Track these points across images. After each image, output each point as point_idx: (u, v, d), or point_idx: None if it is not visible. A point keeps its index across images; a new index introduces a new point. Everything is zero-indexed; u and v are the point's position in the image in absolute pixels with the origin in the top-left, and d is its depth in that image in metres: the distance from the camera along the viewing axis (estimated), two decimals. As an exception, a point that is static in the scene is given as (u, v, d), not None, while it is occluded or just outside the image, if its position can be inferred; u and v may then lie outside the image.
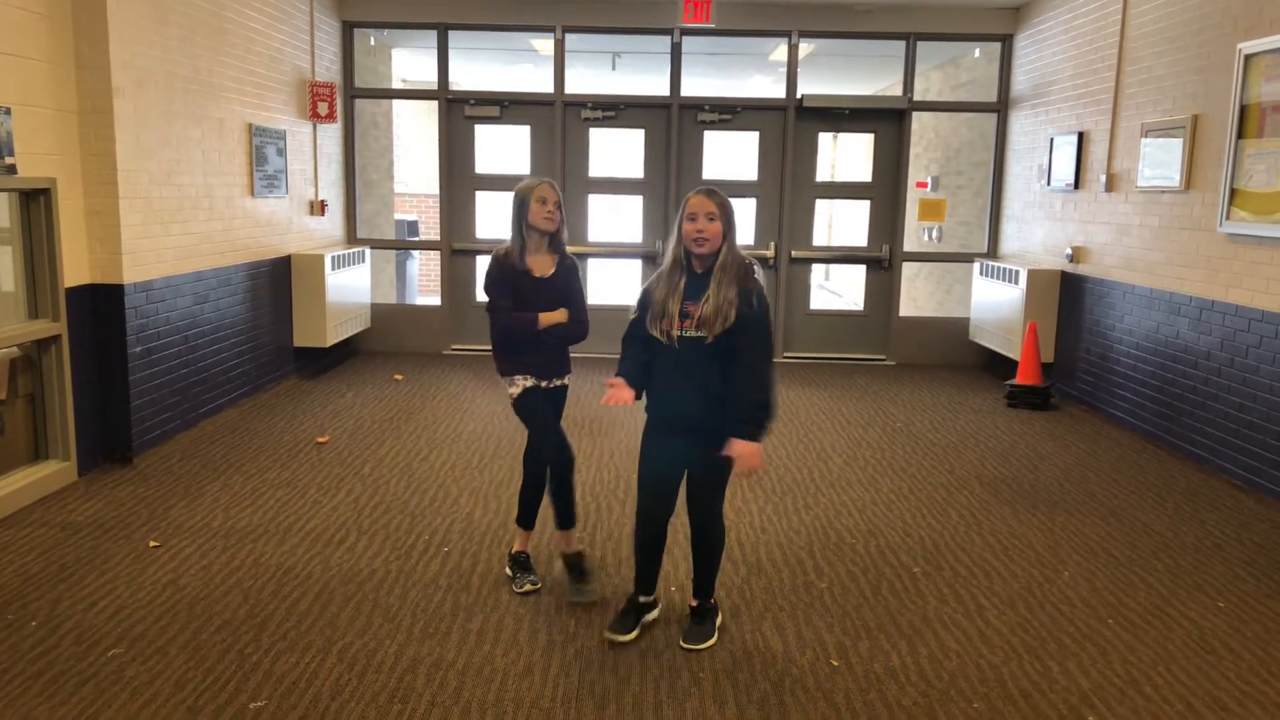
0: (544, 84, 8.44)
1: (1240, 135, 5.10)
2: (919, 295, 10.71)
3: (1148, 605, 3.62)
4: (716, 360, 3.03)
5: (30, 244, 4.52)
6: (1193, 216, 5.57)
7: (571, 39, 8.39)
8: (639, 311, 3.16)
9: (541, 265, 3.56)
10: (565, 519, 3.69)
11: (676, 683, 2.99)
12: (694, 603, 3.33)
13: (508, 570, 3.73)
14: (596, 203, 8.52)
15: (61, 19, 4.62)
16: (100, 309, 4.90)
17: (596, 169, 8.45)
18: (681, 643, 3.23)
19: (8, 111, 4.23)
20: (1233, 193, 5.16)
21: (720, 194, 3.10)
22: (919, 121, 10.41)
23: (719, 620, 3.35)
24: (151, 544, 3.97)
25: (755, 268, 3.12)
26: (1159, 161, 5.89)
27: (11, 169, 4.27)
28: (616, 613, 3.32)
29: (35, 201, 4.49)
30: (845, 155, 14.15)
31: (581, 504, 4.36)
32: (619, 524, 4.31)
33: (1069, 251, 7.00)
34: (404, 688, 2.92)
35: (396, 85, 10.76)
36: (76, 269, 4.77)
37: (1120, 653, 3.25)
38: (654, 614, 3.36)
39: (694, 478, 3.20)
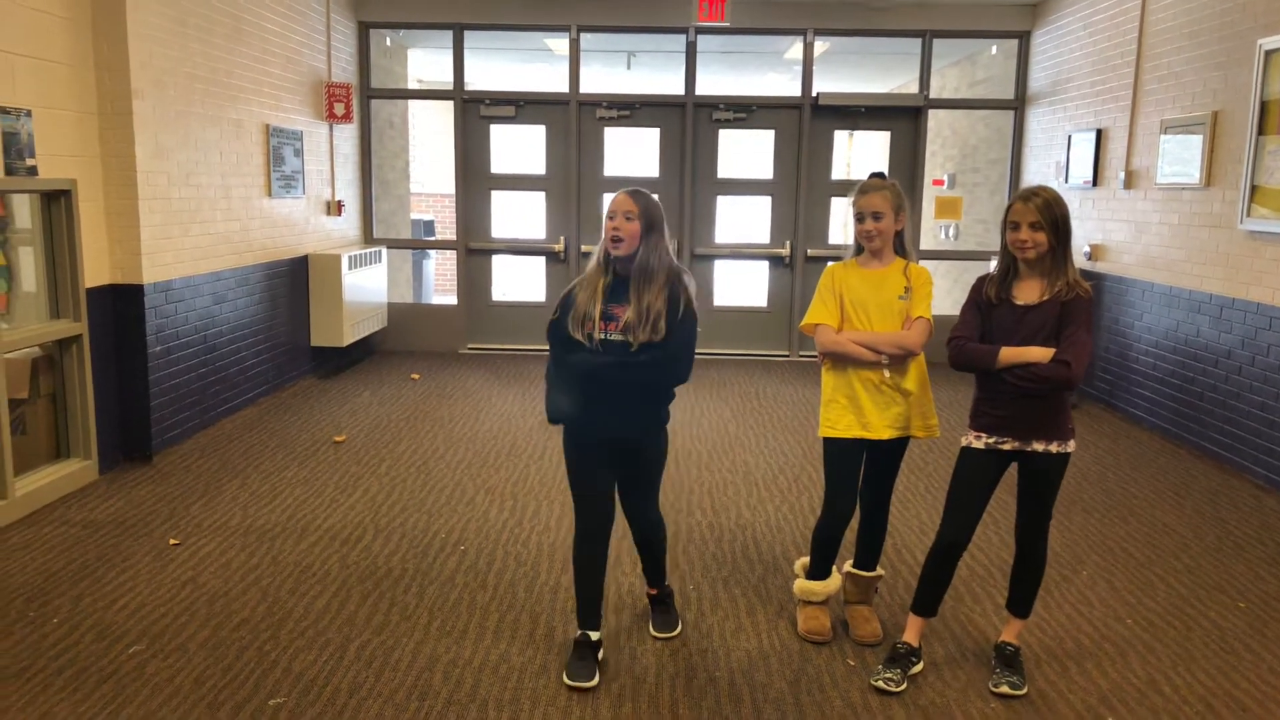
0: (559, 83, 8.45)
1: (1261, 132, 5.06)
2: (935, 292, 10.64)
3: (1167, 605, 3.60)
4: None
5: (51, 245, 4.56)
6: (1213, 214, 5.52)
7: (586, 38, 8.40)
8: (559, 313, 2.98)
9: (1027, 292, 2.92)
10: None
11: (693, 681, 2.99)
12: (652, 591, 3.31)
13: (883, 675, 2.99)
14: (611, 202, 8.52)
15: (81, 21, 4.66)
16: (120, 309, 4.95)
17: (611, 168, 8.46)
18: (653, 632, 3.26)
19: (29, 113, 4.28)
20: (1253, 189, 5.11)
21: (645, 195, 2.93)
22: (935, 119, 10.35)
23: (676, 601, 3.41)
24: (171, 542, 4.01)
25: (685, 275, 2.96)
26: (1178, 158, 5.84)
27: (33, 170, 4.31)
28: (573, 656, 3.01)
29: (56, 203, 4.53)
30: (861, 153, 14.10)
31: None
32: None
33: (1087, 249, 6.95)
34: (421, 685, 2.93)
35: (412, 85, 10.79)
36: (97, 269, 4.81)
37: (1139, 653, 3.23)
38: (602, 653, 3.08)
39: (625, 483, 3.09)
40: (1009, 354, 2.83)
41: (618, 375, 2.88)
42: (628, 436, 3.00)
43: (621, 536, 3.38)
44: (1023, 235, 2.84)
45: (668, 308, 2.87)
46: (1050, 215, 2.84)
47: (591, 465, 3.01)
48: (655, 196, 3.01)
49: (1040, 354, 2.81)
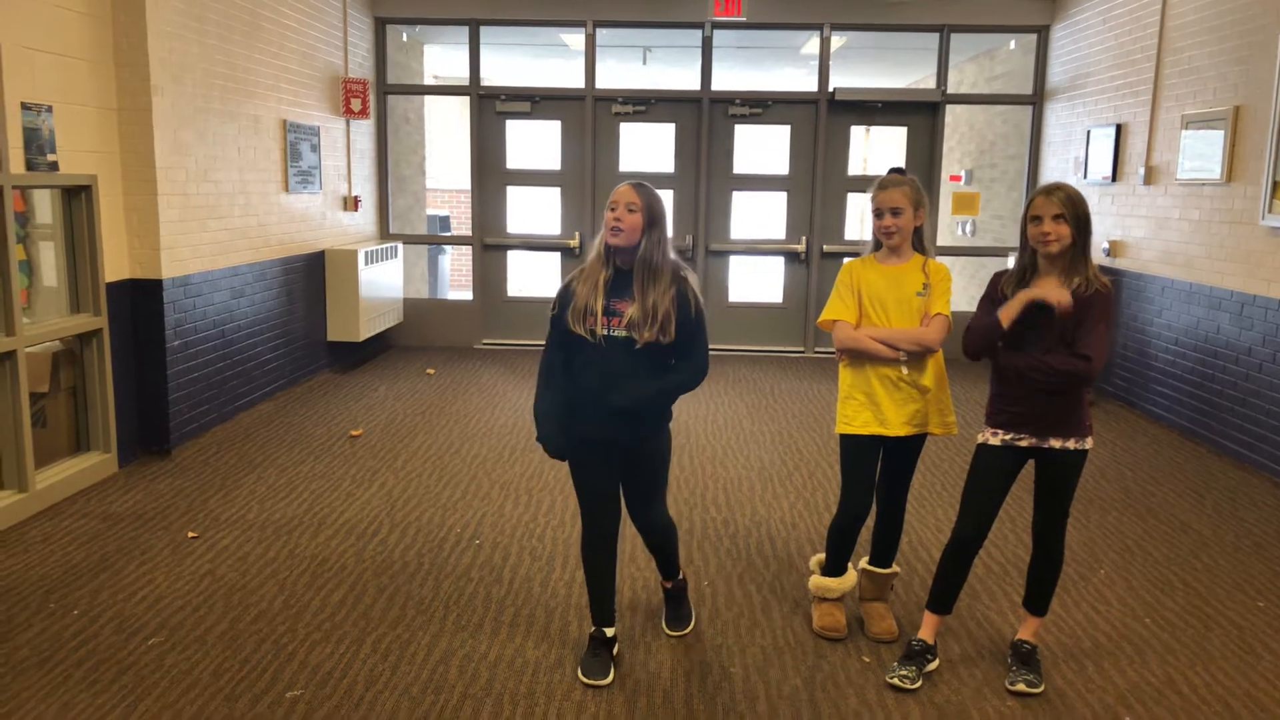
0: (575, 79, 8.45)
1: (1283, 126, 5.01)
2: (953, 289, 10.59)
3: (1185, 604, 3.57)
4: (646, 363, 2.85)
5: (72, 240, 4.60)
6: (1234, 210, 5.47)
7: (602, 33, 8.39)
8: (558, 308, 2.90)
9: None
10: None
11: (708, 677, 2.99)
12: (668, 585, 3.29)
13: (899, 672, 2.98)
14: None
15: (102, 17, 4.69)
16: (139, 303, 4.98)
17: (627, 164, 8.45)
18: (665, 630, 3.25)
19: (50, 109, 4.31)
20: (1275, 185, 5.06)
21: (648, 189, 2.87)
22: (953, 114, 10.30)
23: (690, 594, 3.41)
24: (190, 535, 4.04)
25: (687, 271, 2.91)
26: (1199, 154, 5.79)
27: (54, 166, 4.35)
28: (587, 653, 3.02)
29: (77, 198, 4.56)
30: (878, 149, 14.04)
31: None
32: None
33: (1106, 245, 6.90)
34: (437, 679, 2.95)
35: (428, 81, 10.82)
36: (116, 264, 4.85)
37: (1157, 652, 3.21)
38: (617, 649, 3.08)
39: (630, 487, 3.03)
40: (1009, 309, 2.80)
41: (662, 402, 2.91)
42: (631, 436, 2.94)
43: (635, 533, 3.37)
44: (1045, 228, 2.80)
45: (676, 308, 2.83)
46: (1073, 209, 2.81)
47: (596, 466, 2.97)
48: (661, 192, 2.98)
49: (1041, 293, 2.76)
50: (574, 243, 8.42)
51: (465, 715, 2.76)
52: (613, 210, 2.85)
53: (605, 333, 2.83)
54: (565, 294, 2.91)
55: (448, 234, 11.79)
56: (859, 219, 10.60)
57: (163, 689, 2.86)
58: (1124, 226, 6.73)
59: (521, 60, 11.05)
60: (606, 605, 3.05)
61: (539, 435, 2.95)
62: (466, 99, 8.45)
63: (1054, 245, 2.81)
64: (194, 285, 5.31)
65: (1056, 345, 2.80)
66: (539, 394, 2.96)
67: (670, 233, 2.96)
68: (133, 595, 3.46)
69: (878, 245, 3.21)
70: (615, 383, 2.84)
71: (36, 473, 4.31)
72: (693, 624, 3.30)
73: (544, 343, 2.99)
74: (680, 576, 3.30)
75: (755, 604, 3.49)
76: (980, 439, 2.97)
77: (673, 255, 2.92)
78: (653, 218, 2.86)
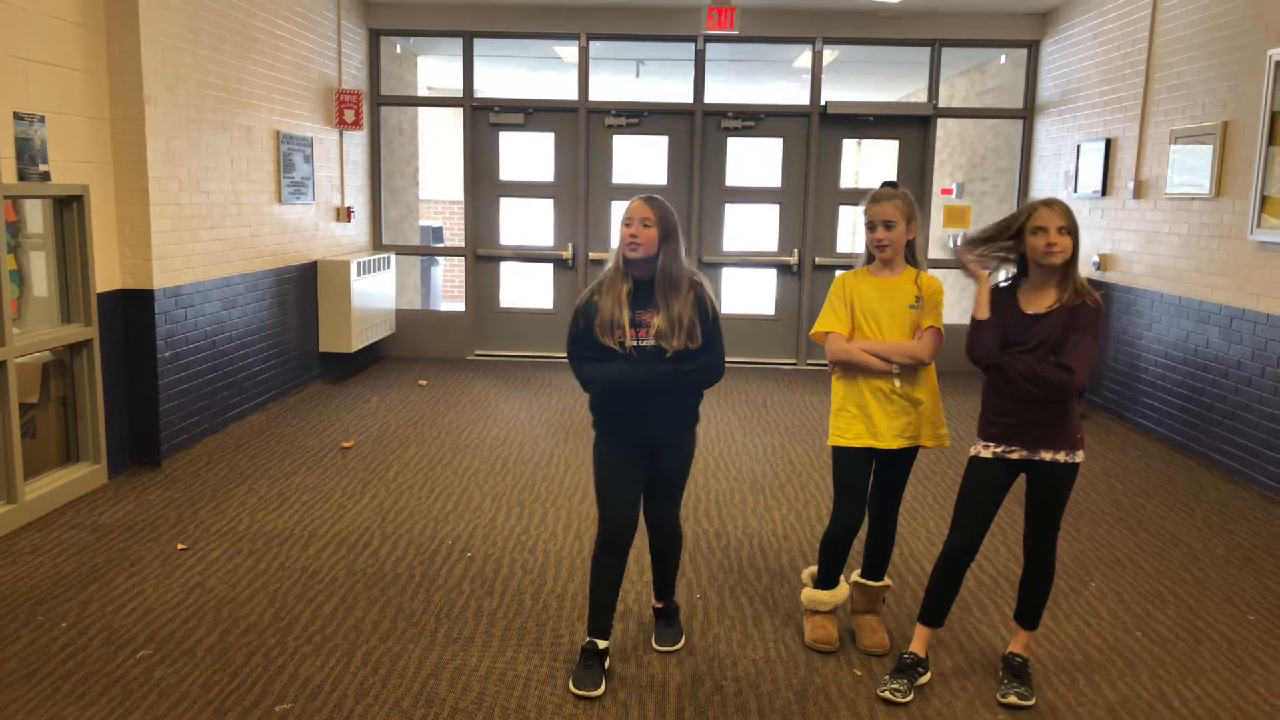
0: (568, 91, 8.47)
1: (1271, 142, 5.05)
2: (945, 301, 10.61)
3: (1176, 617, 3.58)
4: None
5: (63, 250, 4.58)
6: (1223, 224, 5.51)
7: (595, 46, 8.42)
8: (583, 322, 2.96)
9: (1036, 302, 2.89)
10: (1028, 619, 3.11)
11: (699, 690, 2.98)
12: (659, 604, 3.30)
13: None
14: (619, 210, 8.54)
15: (95, 27, 4.69)
16: (131, 314, 4.97)
17: (620, 176, 8.47)
18: (655, 645, 3.24)
19: (42, 119, 4.30)
20: (1264, 200, 5.10)
21: (661, 202, 2.96)
22: (944, 128, 10.35)
23: (681, 617, 3.40)
24: (179, 547, 4.02)
25: (700, 277, 3.01)
26: (1188, 168, 5.83)
27: (46, 176, 4.34)
28: (579, 665, 3.00)
29: (69, 208, 4.55)
30: (869, 162, 14.11)
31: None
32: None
33: (1096, 259, 6.94)
34: (427, 692, 2.93)
35: (422, 93, 10.83)
36: (108, 274, 4.83)
37: (1148, 665, 3.21)
38: (609, 661, 3.06)
39: (652, 490, 3.10)
40: (979, 305, 2.89)
41: (673, 385, 2.93)
42: (665, 436, 3.02)
43: (632, 547, 3.37)
44: (1052, 239, 2.80)
45: (698, 314, 2.93)
46: (1072, 220, 2.84)
47: (624, 467, 3.01)
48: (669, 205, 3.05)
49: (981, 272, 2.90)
50: (567, 254, 8.43)
51: (456, 729, 2.75)
52: (628, 226, 2.94)
53: (635, 344, 2.91)
54: (588, 308, 2.97)
55: (440, 245, 11.80)
56: (851, 232, 10.64)
57: (151, 702, 2.84)
58: (1114, 240, 6.77)
59: (515, 72, 11.08)
60: (606, 616, 3.04)
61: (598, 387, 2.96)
62: (460, 110, 8.47)
63: (1058, 257, 2.82)
64: (186, 296, 5.30)
65: (1048, 355, 2.82)
66: (595, 370, 2.95)
67: (682, 241, 3.05)
68: (122, 607, 3.44)
69: (870, 258, 3.22)
70: (647, 392, 2.91)
71: (26, 484, 4.28)
72: (682, 642, 3.29)
73: (565, 356, 3.05)
74: (674, 599, 3.31)
75: (747, 616, 3.49)
76: (972, 451, 2.98)
77: (686, 263, 3.01)
78: (667, 230, 2.95)
